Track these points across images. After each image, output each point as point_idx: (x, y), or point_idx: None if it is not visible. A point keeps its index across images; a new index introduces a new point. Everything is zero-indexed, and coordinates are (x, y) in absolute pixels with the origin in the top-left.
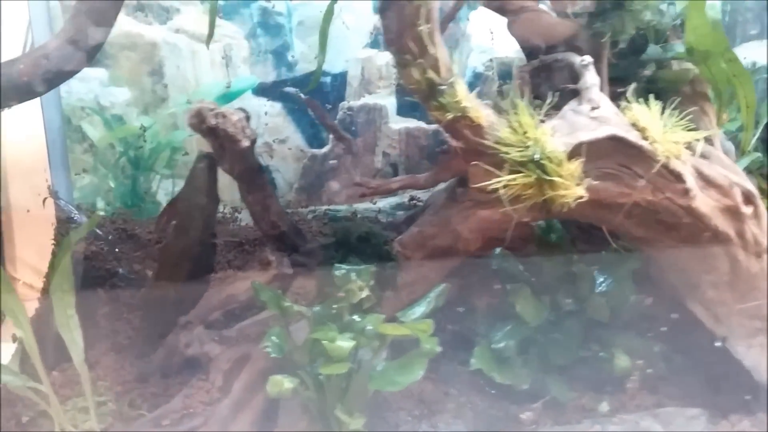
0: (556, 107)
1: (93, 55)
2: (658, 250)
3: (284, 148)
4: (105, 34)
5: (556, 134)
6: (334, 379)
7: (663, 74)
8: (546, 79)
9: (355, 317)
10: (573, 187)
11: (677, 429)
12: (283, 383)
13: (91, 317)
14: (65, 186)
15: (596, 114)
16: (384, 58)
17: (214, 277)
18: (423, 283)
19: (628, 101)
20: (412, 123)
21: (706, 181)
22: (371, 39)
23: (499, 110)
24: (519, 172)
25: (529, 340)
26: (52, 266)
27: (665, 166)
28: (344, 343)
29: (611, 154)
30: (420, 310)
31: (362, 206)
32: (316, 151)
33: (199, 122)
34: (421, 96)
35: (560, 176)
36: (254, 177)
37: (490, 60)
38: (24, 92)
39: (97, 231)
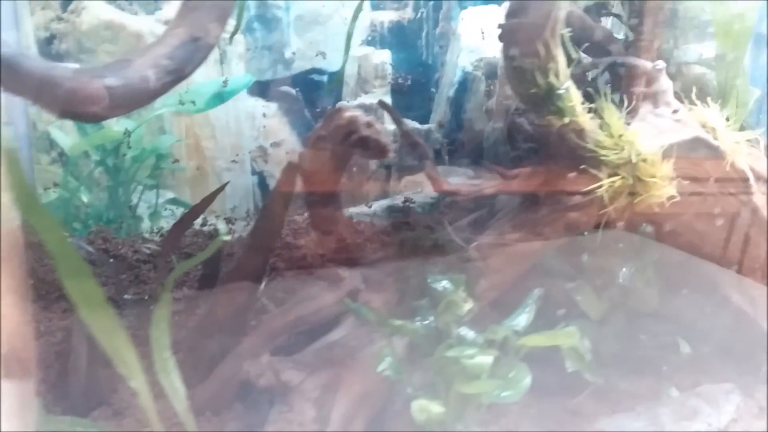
0: None
1: (209, 54)
2: (711, 242)
3: (280, 152)
4: (222, 30)
5: (643, 136)
6: (453, 396)
7: (680, 76)
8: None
9: (466, 330)
10: (666, 187)
11: (720, 405)
12: (430, 408)
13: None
14: None
15: (678, 116)
16: (380, 56)
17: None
18: (497, 290)
19: (693, 103)
20: (407, 124)
21: (757, 176)
22: (369, 36)
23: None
24: (615, 174)
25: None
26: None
27: (732, 164)
28: (484, 359)
29: (686, 155)
30: (524, 318)
31: (356, 210)
32: None
33: (350, 132)
34: (535, 101)
35: (654, 177)
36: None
37: (479, 60)
38: (143, 97)
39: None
